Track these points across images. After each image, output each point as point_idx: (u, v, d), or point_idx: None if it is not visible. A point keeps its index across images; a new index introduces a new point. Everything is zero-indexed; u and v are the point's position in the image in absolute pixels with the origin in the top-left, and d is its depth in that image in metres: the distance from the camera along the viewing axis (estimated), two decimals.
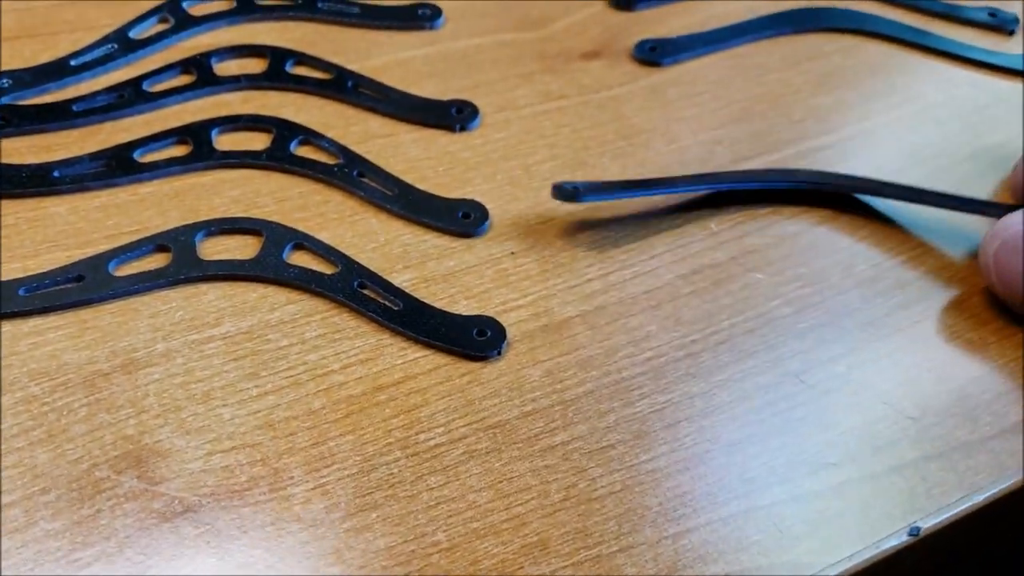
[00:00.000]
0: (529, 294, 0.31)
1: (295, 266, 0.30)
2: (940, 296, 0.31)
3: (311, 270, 0.30)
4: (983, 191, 0.35)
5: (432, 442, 0.26)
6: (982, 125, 0.38)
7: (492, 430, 0.27)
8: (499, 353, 0.29)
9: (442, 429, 0.27)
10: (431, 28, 0.41)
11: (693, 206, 0.34)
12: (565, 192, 0.31)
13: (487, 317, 0.29)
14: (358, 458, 0.26)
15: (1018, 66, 0.41)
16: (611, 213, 0.33)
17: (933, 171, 0.36)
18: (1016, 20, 0.43)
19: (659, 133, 0.36)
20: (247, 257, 0.31)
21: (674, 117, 0.37)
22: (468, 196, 0.33)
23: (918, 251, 0.33)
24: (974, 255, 0.32)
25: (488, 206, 0.33)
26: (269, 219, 0.32)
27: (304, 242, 0.31)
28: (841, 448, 0.27)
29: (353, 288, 0.30)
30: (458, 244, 0.32)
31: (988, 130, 0.38)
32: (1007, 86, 0.40)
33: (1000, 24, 0.43)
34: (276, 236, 0.31)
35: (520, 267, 0.31)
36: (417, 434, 0.27)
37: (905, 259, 0.33)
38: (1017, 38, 0.43)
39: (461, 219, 0.32)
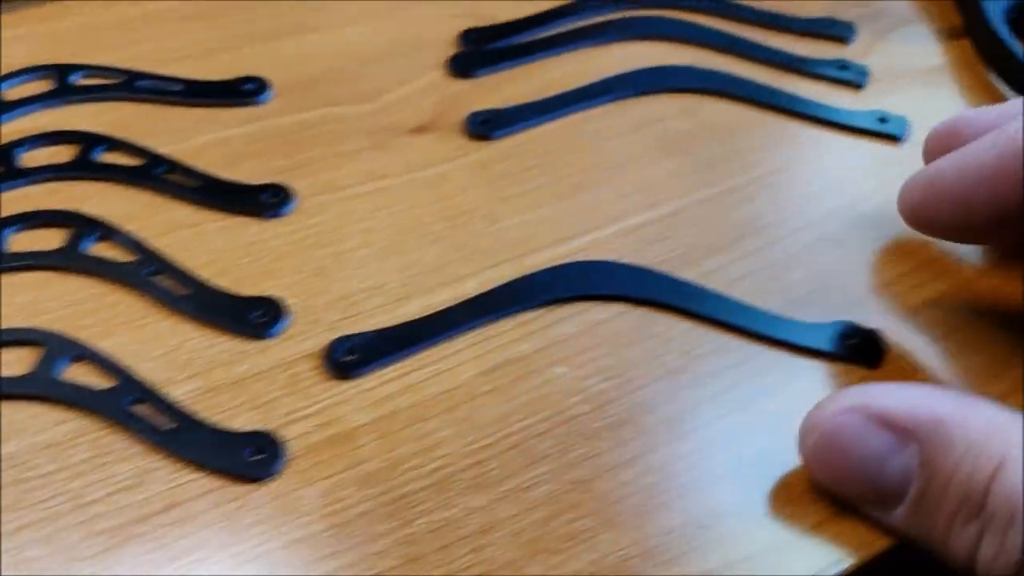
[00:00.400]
0: (319, 401, 0.29)
1: (68, 382, 0.29)
2: (751, 387, 0.30)
3: (84, 386, 0.29)
4: (818, 264, 0.34)
5: None
6: (826, 190, 0.37)
7: (253, 564, 0.25)
8: (275, 473, 0.27)
9: (200, 566, 0.25)
10: (257, 103, 0.39)
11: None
12: (337, 366, 0.30)
13: (265, 433, 0.28)
14: None
15: (866, 125, 0.40)
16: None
17: (767, 244, 0.35)
18: (866, 73, 0.42)
19: (481, 213, 0.35)
20: (23, 372, 0.29)
21: (499, 195, 0.36)
22: (271, 290, 0.32)
23: (736, 333, 0.31)
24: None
25: (290, 301, 0.32)
26: (54, 327, 0.30)
27: (83, 354, 0.29)
28: (618, 568, 0.26)
29: (126, 405, 0.28)
30: (252, 347, 0.31)
31: (832, 194, 0.37)
32: (856, 145, 0.39)
33: (851, 78, 0.42)
34: (55, 348, 0.30)
35: (315, 370, 0.30)
36: (173, 572, 0.25)
37: (720, 345, 0.31)
38: (867, 92, 0.42)
39: (256, 319, 0.31)
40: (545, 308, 0.32)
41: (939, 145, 0.33)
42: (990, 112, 0.32)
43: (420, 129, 0.39)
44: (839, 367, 0.31)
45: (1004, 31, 0.42)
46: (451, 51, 0.42)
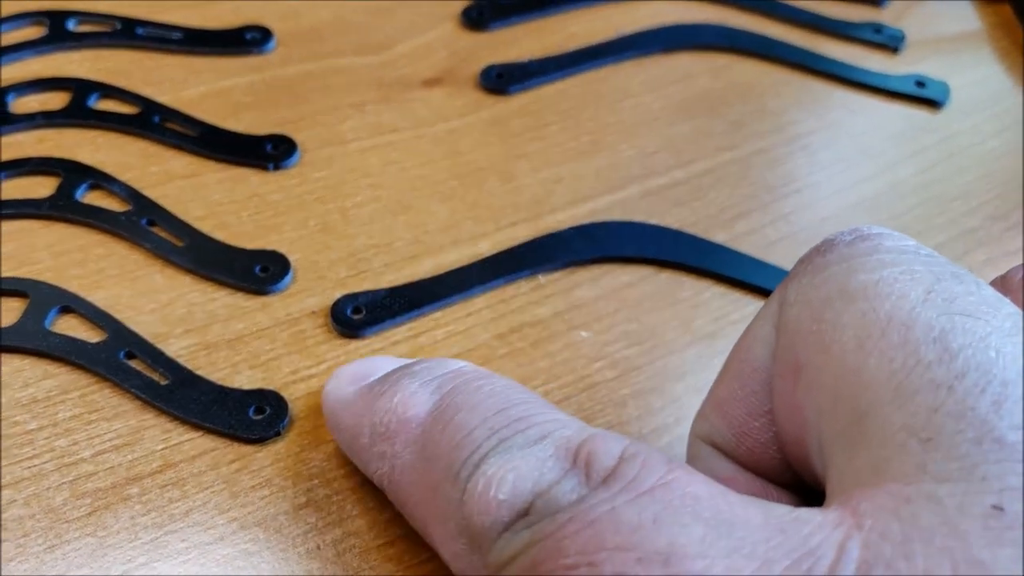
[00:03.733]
0: (325, 361, 0.27)
1: (57, 334, 0.27)
2: None
3: (74, 339, 0.26)
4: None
5: (182, 544, 0.23)
6: (861, 154, 0.35)
7: (256, 529, 0.23)
8: (278, 434, 0.25)
9: (196, 529, 0.23)
10: (260, 53, 0.37)
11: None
12: (344, 324, 0.28)
13: (268, 391, 0.26)
14: (95, 565, 0.22)
15: (903, 89, 0.38)
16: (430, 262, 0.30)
17: (795, 209, 0.33)
18: (902, 37, 0.40)
19: (496, 171, 0.33)
20: (8, 324, 0.27)
21: (514, 152, 0.34)
22: (272, 246, 0.30)
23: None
24: None
25: (293, 257, 0.30)
26: (40, 278, 0.28)
27: (72, 305, 0.27)
28: None
29: (118, 359, 0.26)
30: (252, 303, 0.28)
31: (867, 159, 0.35)
32: (889, 110, 0.37)
33: (886, 41, 0.40)
34: (41, 298, 0.27)
35: (319, 328, 0.28)
36: (166, 535, 0.23)
37: (752, 312, 0.29)
38: (902, 56, 0.40)
39: (258, 273, 0.29)
40: (564, 270, 0.30)
41: None
42: None
43: (431, 82, 0.36)
44: None
45: None
46: (464, 3, 0.40)
